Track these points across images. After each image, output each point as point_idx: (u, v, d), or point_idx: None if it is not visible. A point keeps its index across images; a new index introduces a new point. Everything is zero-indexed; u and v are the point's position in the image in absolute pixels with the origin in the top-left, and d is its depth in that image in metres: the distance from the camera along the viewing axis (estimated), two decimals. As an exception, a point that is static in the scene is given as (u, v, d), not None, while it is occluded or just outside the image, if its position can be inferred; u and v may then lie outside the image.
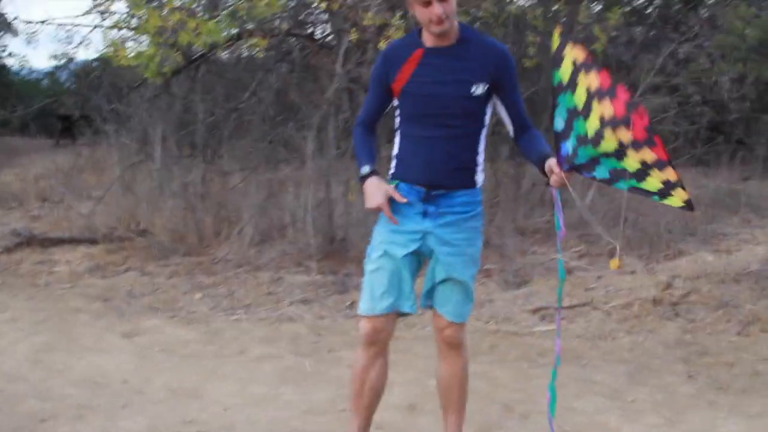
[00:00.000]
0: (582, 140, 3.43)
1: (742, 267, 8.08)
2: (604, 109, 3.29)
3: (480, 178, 4.04)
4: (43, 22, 11.57)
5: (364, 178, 3.94)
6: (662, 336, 6.38)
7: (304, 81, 11.25)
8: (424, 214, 3.96)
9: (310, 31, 12.47)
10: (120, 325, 7.08)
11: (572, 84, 3.45)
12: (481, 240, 4.13)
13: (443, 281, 4.00)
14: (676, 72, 13.03)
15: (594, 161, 3.47)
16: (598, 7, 13.00)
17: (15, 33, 23.88)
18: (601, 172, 3.49)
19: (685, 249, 8.95)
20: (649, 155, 3.30)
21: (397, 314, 4.02)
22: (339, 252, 8.59)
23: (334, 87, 9.29)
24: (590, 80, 3.36)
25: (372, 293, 3.98)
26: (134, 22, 11.13)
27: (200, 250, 9.24)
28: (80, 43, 18.29)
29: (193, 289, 8.02)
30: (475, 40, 3.94)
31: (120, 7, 11.58)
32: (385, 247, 3.99)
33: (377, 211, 3.92)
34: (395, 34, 8.89)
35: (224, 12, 10.01)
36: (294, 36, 11.92)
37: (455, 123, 3.90)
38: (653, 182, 3.37)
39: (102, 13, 11.53)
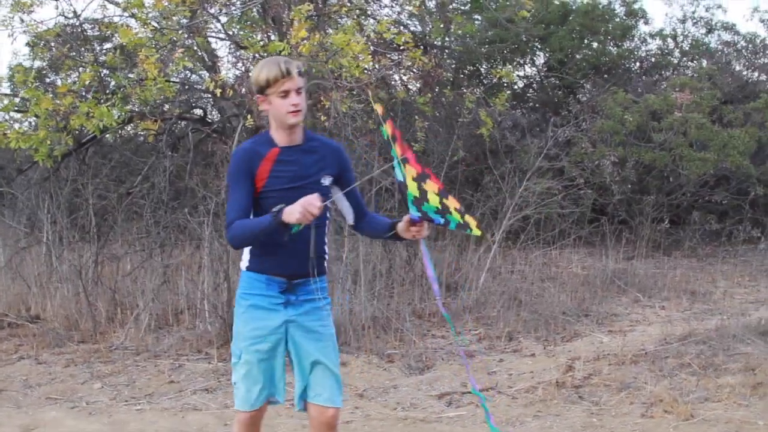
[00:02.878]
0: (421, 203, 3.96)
1: (638, 348, 8.33)
2: (431, 187, 3.91)
3: (326, 267, 4.31)
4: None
5: (277, 214, 3.88)
6: (569, 420, 6.47)
7: (196, 165, 11.22)
8: (286, 304, 4.16)
9: (201, 115, 12.50)
10: (18, 417, 6.85)
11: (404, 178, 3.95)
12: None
13: (314, 369, 4.20)
14: (558, 155, 13.40)
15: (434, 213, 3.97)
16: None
17: None
18: (438, 219, 3.96)
19: (580, 330, 9.18)
20: (452, 202, 3.94)
21: (269, 401, 4.27)
22: (240, 338, 8.51)
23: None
24: (411, 170, 3.89)
25: (249, 392, 4.20)
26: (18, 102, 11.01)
27: (96, 337, 9.05)
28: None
29: (92, 378, 7.83)
30: (317, 138, 4.26)
31: (4, 88, 11.29)
32: (252, 347, 4.16)
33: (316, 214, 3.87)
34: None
35: (116, 95, 9.94)
36: (186, 120, 11.92)
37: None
38: (457, 216, 3.93)
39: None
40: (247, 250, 4.22)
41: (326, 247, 4.27)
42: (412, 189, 3.88)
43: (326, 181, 4.14)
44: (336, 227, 9.29)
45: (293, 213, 3.80)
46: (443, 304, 4.04)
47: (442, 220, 3.93)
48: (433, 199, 3.89)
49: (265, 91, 4.00)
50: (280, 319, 4.14)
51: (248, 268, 4.20)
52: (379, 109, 4.09)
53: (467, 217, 3.93)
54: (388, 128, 3.91)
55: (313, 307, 4.19)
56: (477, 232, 3.99)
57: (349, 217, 4.34)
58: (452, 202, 3.92)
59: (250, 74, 10.23)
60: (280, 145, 4.08)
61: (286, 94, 3.95)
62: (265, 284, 4.14)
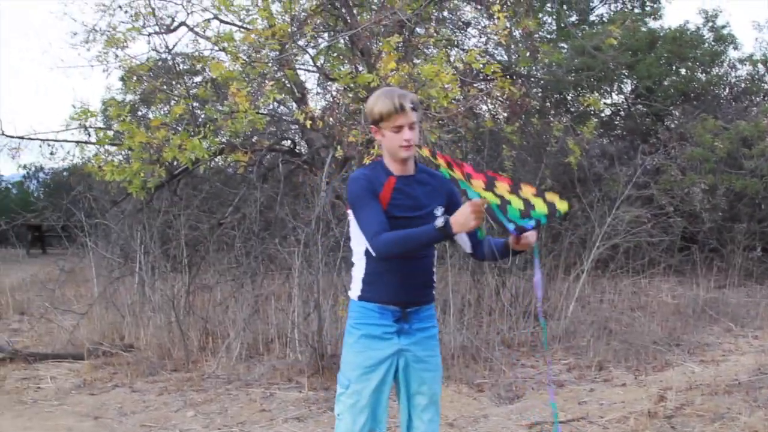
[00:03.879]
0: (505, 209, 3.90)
1: (731, 378, 8.19)
2: (503, 188, 3.87)
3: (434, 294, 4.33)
4: (22, 137, 11.59)
5: (445, 227, 3.85)
6: (662, 451, 6.42)
7: (285, 196, 11.34)
8: (399, 333, 4.15)
9: (290, 146, 12.64)
10: (114, 445, 7.01)
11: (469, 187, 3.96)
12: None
13: (416, 399, 4.23)
14: (647, 183, 13.28)
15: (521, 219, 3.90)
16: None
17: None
18: (528, 224, 3.88)
19: (671, 360, 9.06)
20: (527, 190, 3.86)
21: None
22: (330, 367, 8.58)
23: (321, 202, 9.39)
24: (478, 183, 3.90)
25: (354, 423, 4.15)
26: (112, 135, 11.26)
27: (188, 365, 9.19)
28: (64, 158, 18.37)
29: (185, 406, 7.95)
30: (426, 170, 4.28)
31: (95, 121, 11.58)
32: (363, 376, 4.13)
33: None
34: (379, 150, 9.06)
35: (207, 128, 10.12)
36: (275, 151, 12.07)
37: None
38: (540, 205, 3.83)
39: (85, 128, 11.62)
40: (358, 279, 4.22)
41: (434, 276, 4.29)
42: (491, 199, 3.86)
43: (438, 212, 4.15)
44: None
45: (466, 220, 3.78)
46: (542, 312, 4.01)
47: (533, 223, 3.86)
48: (513, 200, 3.84)
49: (379, 124, 4.07)
50: (393, 348, 4.14)
51: (360, 298, 4.20)
52: (425, 152, 4.14)
53: (549, 196, 3.82)
54: (440, 161, 3.97)
55: (424, 336, 4.21)
56: (564, 205, 3.81)
57: (467, 246, 4.34)
58: (528, 190, 3.83)
59: (338, 104, 10.41)
60: (395, 174, 4.14)
61: (399, 129, 4.02)
62: (378, 313, 4.14)
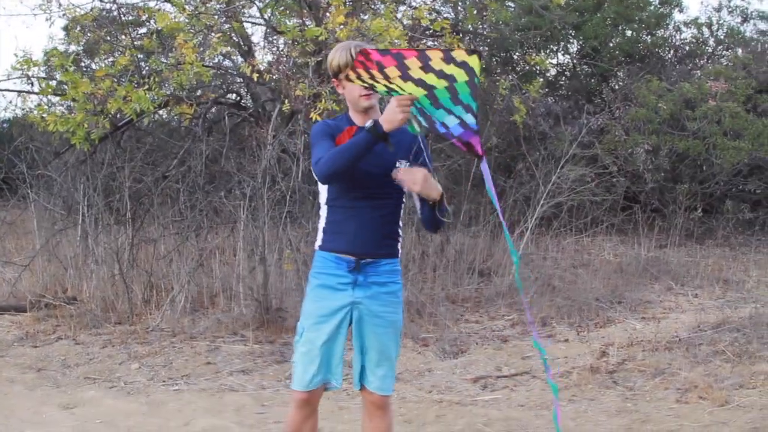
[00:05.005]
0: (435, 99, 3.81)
1: (672, 335, 8.33)
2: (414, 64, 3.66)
3: (400, 249, 4.26)
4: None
5: (373, 126, 3.81)
6: (604, 404, 6.51)
7: (231, 149, 11.27)
8: (354, 284, 4.11)
9: (236, 100, 12.55)
10: (57, 396, 6.96)
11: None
12: (402, 310, 4.33)
13: (369, 354, 4.19)
14: (592, 143, 13.37)
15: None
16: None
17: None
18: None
19: (613, 317, 9.20)
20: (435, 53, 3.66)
21: (325, 386, 4.20)
22: (275, 321, 8.59)
23: (267, 156, 9.34)
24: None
25: (304, 372, 4.15)
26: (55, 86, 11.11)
27: (132, 318, 9.14)
28: (5, 108, 18.06)
29: (129, 359, 7.92)
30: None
31: (38, 71, 11.40)
32: (315, 326, 4.13)
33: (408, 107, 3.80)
34: (326, 105, 9.04)
35: (153, 79, 10.01)
36: (221, 104, 11.99)
37: (383, 195, 4.11)
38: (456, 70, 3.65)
39: (27, 78, 11.44)
40: (320, 229, 4.22)
41: (399, 230, 4.24)
42: (417, 92, 3.76)
43: (402, 164, 4.08)
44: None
45: (393, 114, 3.75)
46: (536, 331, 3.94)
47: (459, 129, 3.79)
48: (434, 81, 3.68)
49: (338, 75, 4.06)
50: (346, 299, 4.11)
51: (320, 247, 4.20)
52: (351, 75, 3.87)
53: (458, 55, 3.61)
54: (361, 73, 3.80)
55: (381, 291, 4.14)
56: (475, 61, 3.62)
57: (419, 205, 4.21)
58: (436, 56, 3.63)
59: (285, 58, 10.34)
60: (357, 125, 4.11)
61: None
62: (335, 263, 4.13)
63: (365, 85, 3.86)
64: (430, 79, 3.68)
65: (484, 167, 3.89)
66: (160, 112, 12.02)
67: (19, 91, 11.81)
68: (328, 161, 3.89)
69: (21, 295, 9.96)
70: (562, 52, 18.54)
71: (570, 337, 8.52)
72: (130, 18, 12.75)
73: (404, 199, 4.25)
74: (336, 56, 4.04)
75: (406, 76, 3.69)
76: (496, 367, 7.55)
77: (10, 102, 21.96)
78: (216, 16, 10.07)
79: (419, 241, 10.82)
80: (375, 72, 3.72)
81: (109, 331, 8.81)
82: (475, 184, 12.06)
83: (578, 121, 13.72)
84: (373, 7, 11.68)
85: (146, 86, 9.68)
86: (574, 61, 18.21)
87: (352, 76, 3.81)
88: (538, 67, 15.70)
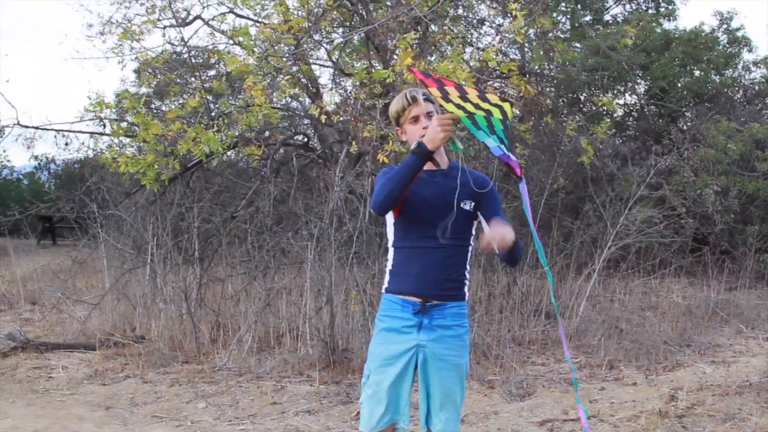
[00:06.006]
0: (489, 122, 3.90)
1: (742, 379, 8.19)
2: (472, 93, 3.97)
3: (467, 292, 4.23)
4: (37, 128, 11.61)
5: (418, 146, 3.89)
6: (673, 450, 6.43)
7: (299, 190, 11.36)
8: (419, 327, 4.10)
9: (304, 141, 12.66)
10: (126, 434, 7.03)
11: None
12: (468, 353, 4.29)
13: (433, 397, 4.17)
14: (660, 184, 13.26)
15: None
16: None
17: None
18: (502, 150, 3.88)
19: (682, 360, 9.07)
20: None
21: (393, 427, 4.19)
22: (341, 361, 8.60)
23: (335, 197, 9.39)
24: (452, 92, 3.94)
25: (371, 414, 4.16)
26: (126, 127, 11.30)
27: (199, 357, 9.21)
28: (78, 149, 18.42)
29: (196, 397, 7.97)
30: (461, 167, 4.18)
31: (110, 114, 11.66)
32: (381, 368, 4.15)
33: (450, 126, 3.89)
34: (393, 146, 9.09)
35: (222, 121, 10.16)
36: (289, 146, 12.10)
37: (447, 236, 4.08)
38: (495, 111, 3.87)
39: (99, 119, 11.67)
40: (387, 272, 4.25)
41: (467, 272, 4.21)
42: (458, 111, 3.84)
43: (466, 206, 4.12)
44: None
45: (435, 133, 3.82)
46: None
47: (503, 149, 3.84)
48: (489, 108, 3.86)
49: (399, 121, 4.18)
50: (411, 342, 4.11)
51: (386, 290, 4.22)
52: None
53: (492, 98, 3.86)
54: (433, 91, 3.99)
55: (446, 335, 4.13)
56: (508, 107, 3.88)
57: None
58: (473, 93, 3.89)
59: (353, 100, 10.43)
60: (424, 169, 4.09)
61: (415, 120, 4.11)
62: (401, 306, 4.14)
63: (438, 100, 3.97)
64: (468, 106, 3.82)
65: (523, 188, 3.95)
66: (229, 153, 12.17)
67: (92, 133, 12.04)
68: (381, 189, 3.96)
69: (90, 333, 10.11)
70: (630, 92, 18.47)
71: (638, 380, 8.41)
72: (200, 61, 12.97)
73: (471, 241, 4.22)
74: (394, 104, 4.18)
75: (446, 99, 3.86)
76: (562, 410, 7.46)
77: (83, 143, 22.36)
78: (284, 59, 10.19)
79: (486, 282, 10.80)
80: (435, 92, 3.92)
81: (177, 370, 8.89)
82: (542, 225, 12.01)
83: (646, 162, 13.61)
84: (440, 49, 11.74)
85: (215, 128, 9.82)
86: (642, 101, 18.10)
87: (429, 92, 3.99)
88: (605, 108, 15.65)
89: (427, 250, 4.10)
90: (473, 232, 4.18)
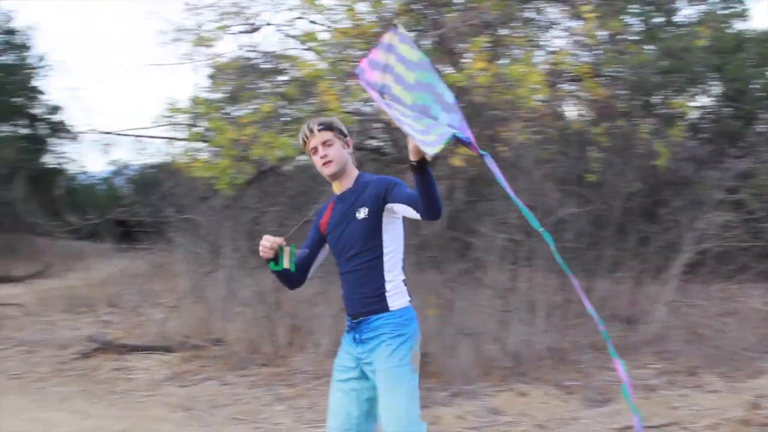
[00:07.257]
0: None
1: (829, 387, 8.03)
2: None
3: (395, 300, 4.27)
4: (114, 133, 11.76)
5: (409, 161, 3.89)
6: (757, 458, 6.33)
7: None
8: (355, 341, 4.33)
9: (377, 145, 12.68)
10: (206, 436, 7.10)
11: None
12: (410, 358, 4.24)
13: (374, 405, 4.34)
14: (737, 187, 13.07)
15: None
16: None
17: (75, 139, 24.41)
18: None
19: (764, 367, 8.91)
20: None
21: None
22: (417, 366, 8.59)
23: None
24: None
25: (328, 421, 4.49)
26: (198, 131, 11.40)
27: (276, 360, 9.28)
28: (153, 154, 18.57)
29: (274, 400, 8.05)
30: (370, 180, 4.37)
31: (184, 119, 11.77)
32: (334, 382, 4.44)
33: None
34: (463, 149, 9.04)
35: (295, 126, 10.20)
36: (362, 150, 12.11)
37: (356, 255, 4.29)
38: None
39: (174, 125, 11.79)
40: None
41: (386, 283, 4.26)
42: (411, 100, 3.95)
43: (360, 214, 4.25)
44: (514, 258, 9.33)
45: (411, 145, 3.78)
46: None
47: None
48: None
49: (307, 155, 4.45)
50: (353, 356, 4.33)
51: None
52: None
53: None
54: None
55: (378, 344, 4.23)
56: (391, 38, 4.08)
57: (415, 215, 4.07)
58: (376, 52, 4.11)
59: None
60: (336, 195, 4.43)
61: (314, 150, 4.36)
62: (348, 323, 4.40)
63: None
64: (408, 98, 3.94)
65: (490, 161, 3.83)
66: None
67: (169, 138, 12.17)
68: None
69: (168, 335, 10.25)
70: (704, 94, 18.21)
71: (719, 387, 8.28)
72: (270, 66, 13.04)
73: (384, 248, 4.26)
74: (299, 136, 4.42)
75: (389, 106, 3.97)
76: (644, 417, 7.39)
77: (158, 149, 22.49)
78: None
79: (561, 287, 10.71)
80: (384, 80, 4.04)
81: (255, 373, 8.97)
82: (617, 229, 11.88)
83: (722, 165, 13.41)
84: (509, 53, 11.67)
85: (289, 132, 9.87)
86: (717, 103, 17.83)
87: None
88: (679, 111, 15.47)
89: (346, 276, 4.36)
90: (384, 236, 4.26)
